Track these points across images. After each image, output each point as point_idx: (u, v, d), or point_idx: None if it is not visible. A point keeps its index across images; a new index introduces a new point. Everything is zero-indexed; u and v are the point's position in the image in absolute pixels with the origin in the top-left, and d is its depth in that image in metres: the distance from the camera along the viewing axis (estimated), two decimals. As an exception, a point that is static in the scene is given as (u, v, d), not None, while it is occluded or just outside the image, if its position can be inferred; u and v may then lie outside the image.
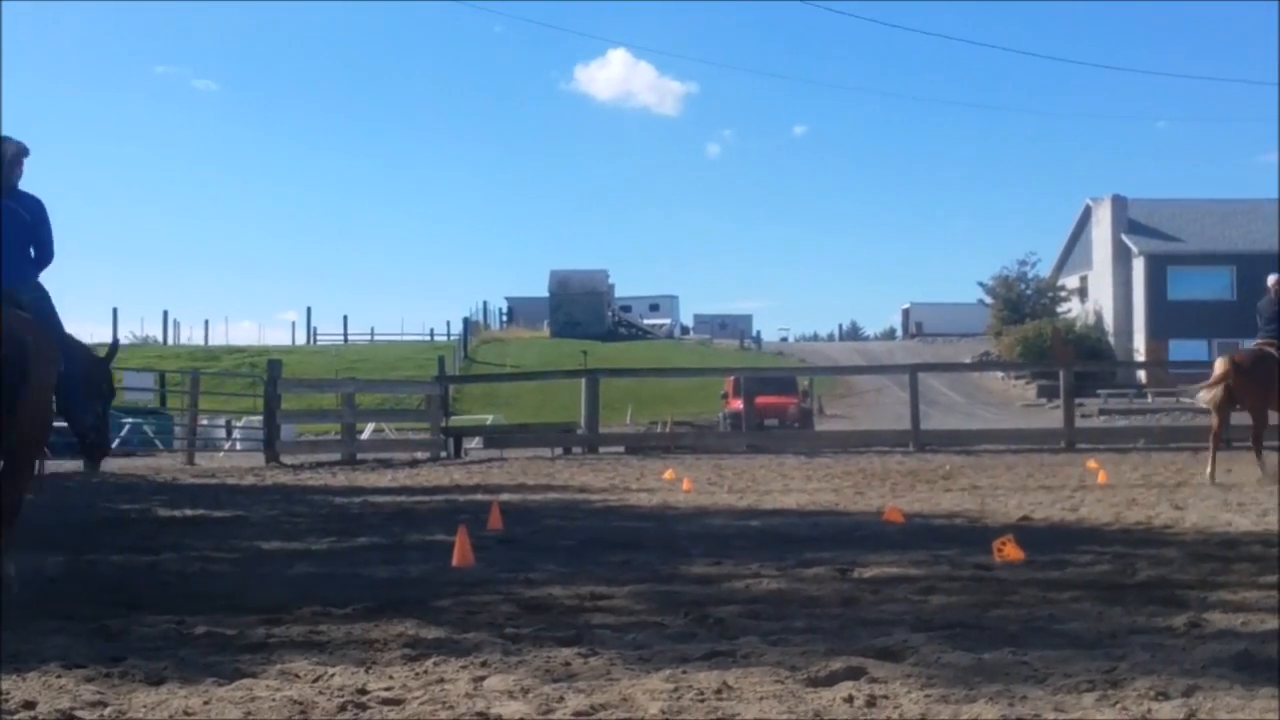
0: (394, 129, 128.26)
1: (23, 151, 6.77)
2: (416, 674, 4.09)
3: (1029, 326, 53.17)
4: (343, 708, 3.61)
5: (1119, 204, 53.70)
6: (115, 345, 8.16)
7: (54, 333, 6.77)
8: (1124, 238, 53.12)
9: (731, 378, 33.97)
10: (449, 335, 67.41)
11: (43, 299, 6.81)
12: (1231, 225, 53.38)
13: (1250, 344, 14.66)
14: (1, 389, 5.85)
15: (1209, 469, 13.48)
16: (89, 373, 7.26)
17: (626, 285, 78.64)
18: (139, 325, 69.65)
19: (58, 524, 9.41)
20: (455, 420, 28.36)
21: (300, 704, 3.63)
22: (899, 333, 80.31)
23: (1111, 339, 53.42)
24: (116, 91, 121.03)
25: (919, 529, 8.96)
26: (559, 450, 23.43)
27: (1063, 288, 57.74)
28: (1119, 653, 4.23)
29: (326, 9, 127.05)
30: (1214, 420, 14.13)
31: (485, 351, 62.08)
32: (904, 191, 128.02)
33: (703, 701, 3.62)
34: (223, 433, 27.85)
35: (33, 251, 6.80)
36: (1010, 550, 6.86)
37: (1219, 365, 14.30)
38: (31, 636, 4.70)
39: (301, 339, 68.71)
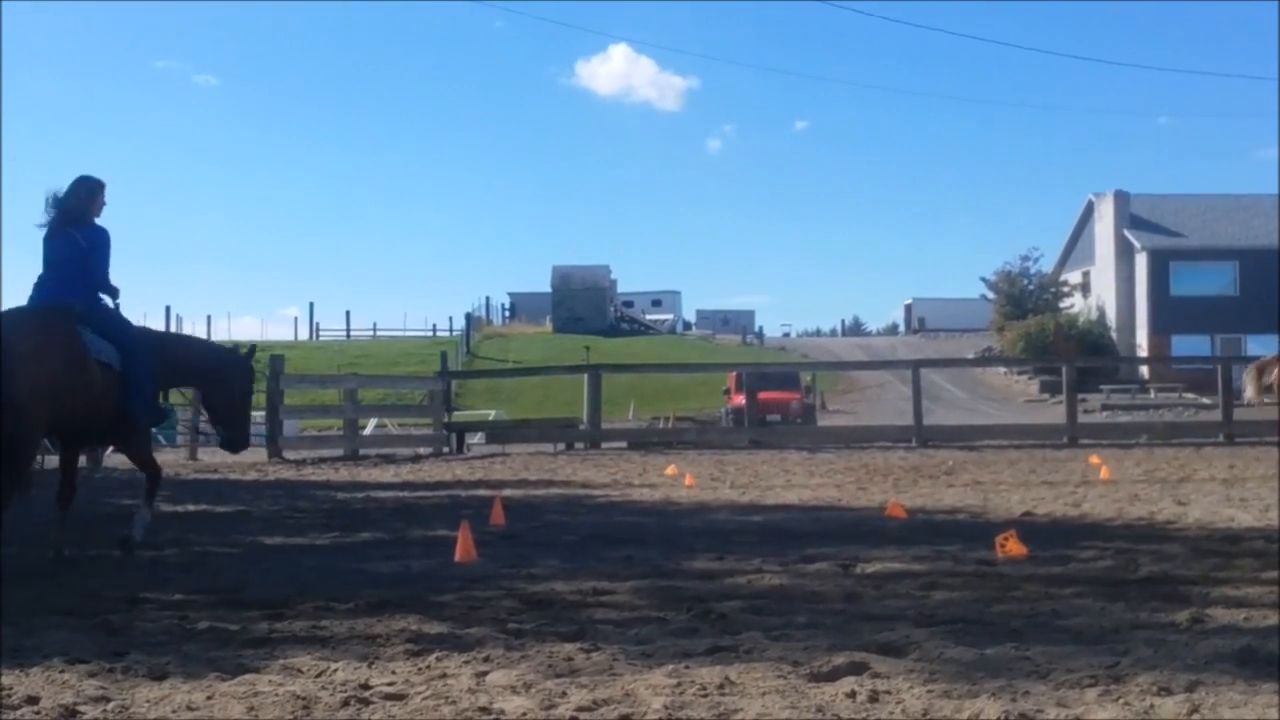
0: (395, 124, 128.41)
1: (99, 187, 7.28)
2: (419, 669, 4.09)
3: (1031, 322, 53.10)
4: (345, 703, 3.61)
5: (1121, 199, 53.57)
6: (253, 347, 8.74)
7: (119, 335, 7.18)
8: (1126, 233, 53.02)
9: (734, 373, 33.90)
10: (451, 331, 67.35)
11: (101, 310, 7.13)
12: (1233, 220, 53.28)
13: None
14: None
15: None
16: (199, 369, 7.90)
17: (628, 281, 78.85)
18: (141, 321, 69.28)
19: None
20: (458, 416, 28.38)
21: (303, 699, 3.63)
22: (901, 328, 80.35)
23: (1114, 334, 53.33)
24: (117, 87, 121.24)
25: (921, 524, 8.96)
26: (561, 446, 23.41)
27: (1065, 283, 57.62)
28: (1121, 648, 4.23)
29: (327, 5, 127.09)
30: None
31: (488, 347, 62.06)
32: (906, 187, 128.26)
33: (705, 697, 3.62)
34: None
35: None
36: (1013, 546, 6.86)
37: None
38: (34, 631, 4.71)
39: (304, 334, 68.64)
